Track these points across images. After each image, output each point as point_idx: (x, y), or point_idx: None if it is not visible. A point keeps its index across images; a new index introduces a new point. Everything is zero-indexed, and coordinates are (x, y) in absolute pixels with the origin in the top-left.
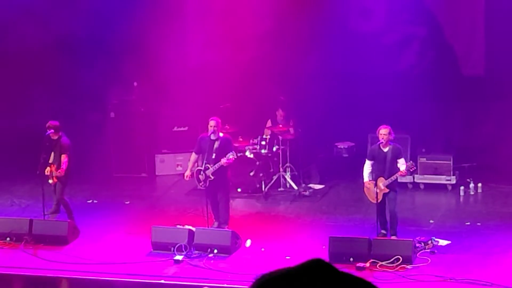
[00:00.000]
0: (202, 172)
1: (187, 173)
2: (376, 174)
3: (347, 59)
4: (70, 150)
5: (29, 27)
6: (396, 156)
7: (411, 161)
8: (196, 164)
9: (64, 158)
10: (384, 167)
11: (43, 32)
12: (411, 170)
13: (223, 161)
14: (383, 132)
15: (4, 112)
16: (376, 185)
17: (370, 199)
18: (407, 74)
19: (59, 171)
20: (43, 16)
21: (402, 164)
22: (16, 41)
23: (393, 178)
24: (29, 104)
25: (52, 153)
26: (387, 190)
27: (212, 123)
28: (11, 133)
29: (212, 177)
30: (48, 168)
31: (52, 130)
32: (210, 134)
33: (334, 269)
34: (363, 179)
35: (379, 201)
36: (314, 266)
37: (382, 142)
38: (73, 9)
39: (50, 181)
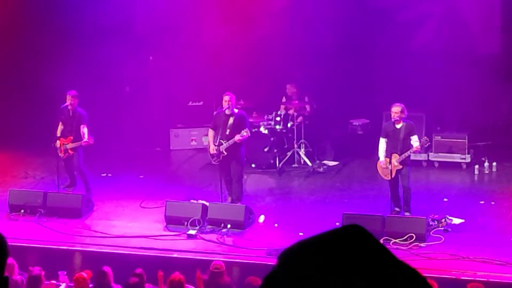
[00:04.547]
0: (215, 148)
1: (211, 148)
2: (389, 151)
3: (363, 35)
4: (88, 120)
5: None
6: (409, 133)
7: (425, 137)
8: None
9: (84, 128)
10: (397, 144)
11: (60, 10)
12: (426, 146)
13: (237, 137)
14: (395, 110)
15: (19, 85)
16: (390, 161)
17: (383, 176)
18: (423, 52)
19: (85, 141)
20: None
21: (415, 141)
22: (38, 20)
23: (406, 154)
24: (45, 77)
25: (61, 126)
26: (400, 167)
27: (226, 98)
28: (26, 106)
29: (226, 153)
30: (58, 142)
31: (69, 103)
32: (225, 110)
33: (372, 237)
34: (378, 158)
35: (392, 177)
36: (351, 233)
37: (396, 119)
38: None
39: (61, 154)
